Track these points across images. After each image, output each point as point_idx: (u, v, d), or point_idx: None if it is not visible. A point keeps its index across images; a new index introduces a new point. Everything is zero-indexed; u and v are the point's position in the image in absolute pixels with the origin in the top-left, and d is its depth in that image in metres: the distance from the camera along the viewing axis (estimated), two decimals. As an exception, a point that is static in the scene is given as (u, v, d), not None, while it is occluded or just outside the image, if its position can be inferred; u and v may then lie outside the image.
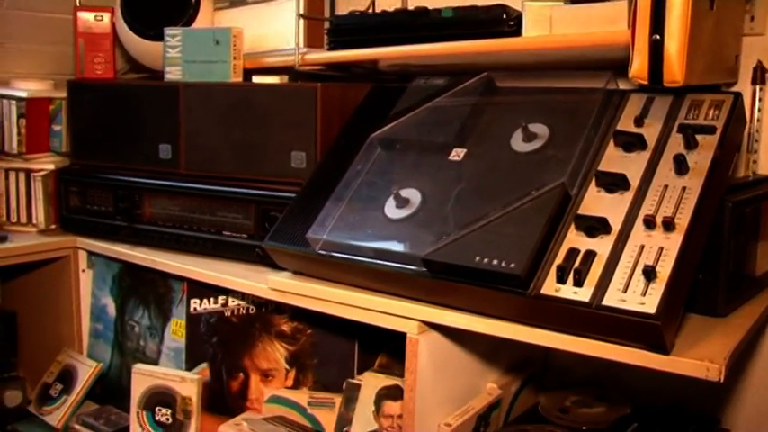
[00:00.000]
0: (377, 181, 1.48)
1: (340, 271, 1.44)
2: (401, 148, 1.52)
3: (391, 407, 1.60)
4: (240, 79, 1.88)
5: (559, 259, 1.21)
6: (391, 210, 1.41)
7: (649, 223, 1.19)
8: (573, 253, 1.21)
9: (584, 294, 1.16)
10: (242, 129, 1.76)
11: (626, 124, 1.35)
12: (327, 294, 1.46)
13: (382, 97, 1.70)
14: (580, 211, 1.25)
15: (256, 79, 1.83)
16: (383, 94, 1.71)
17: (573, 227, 1.24)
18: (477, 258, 1.24)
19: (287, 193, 1.66)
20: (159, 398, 1.87)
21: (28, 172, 2.08)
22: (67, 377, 2.04)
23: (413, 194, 1.41)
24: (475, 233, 1.28)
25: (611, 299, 1.14)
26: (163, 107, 1.87)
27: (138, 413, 1.90)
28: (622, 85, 1.44)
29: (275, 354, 1.80)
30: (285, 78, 1.84)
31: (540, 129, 1.40)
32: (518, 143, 1.40)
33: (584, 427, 1.56)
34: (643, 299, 1.12)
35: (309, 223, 1.47)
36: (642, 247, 1.17)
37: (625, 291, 1.14)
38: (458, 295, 1.31)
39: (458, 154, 1.43)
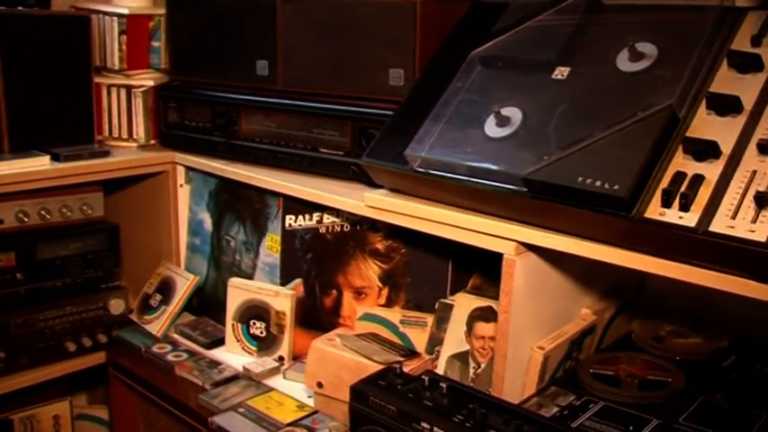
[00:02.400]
0: (477, 99, 1.45)
1: (437, 189, 1.43)
2: (502, 65, 1.48)
3: (483, 328, 1.60)
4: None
5: (665, 183, 1.17)
6: (491, 128, 1.38)
7: (763, 148, 1.13)
8: (679, 177, 1.17)
9: (689, 219, 1.12)
10: (339, 45, 1.74)
11: (741, 44, 1.28)
12: (424, 212, 1.46)
13: (483, 14, 1.65)
14: (688, 134, 1.21)
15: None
16: (484, 10, 1.66)
17: (680, 150, 1.20)
18: (580, 179, 1.21)
19: (384, 110, 1.64)
20: (254, 311, 1.91)
21: (128, 88, 2.11)
22: (166, 289, 2.11)
23: (513, 113, 1.38)
24: (578, 154, 1.25)
25: (719, 225, 1.10)
26: (260, 23, 1.86)
27: (233, 326, 1.95)
28: (739, 3, 1.37)
29: (369, 271, 1.81)
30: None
31: (647, 48, 1.34)
32: (624, 62, 1.34)
33: (677, 358, 1.53)
34: (753, 226, 1.07)
35: (407, 141, 1.45)
36: (754, 172, 1.12)
37: (734, 217, 1.09)
38: (557, 217, 1.29)
39: (561, 73, 1.39)
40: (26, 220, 1.94)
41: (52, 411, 2.13)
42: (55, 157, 1.92)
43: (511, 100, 1.40)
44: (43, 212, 1.96)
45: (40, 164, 1.90)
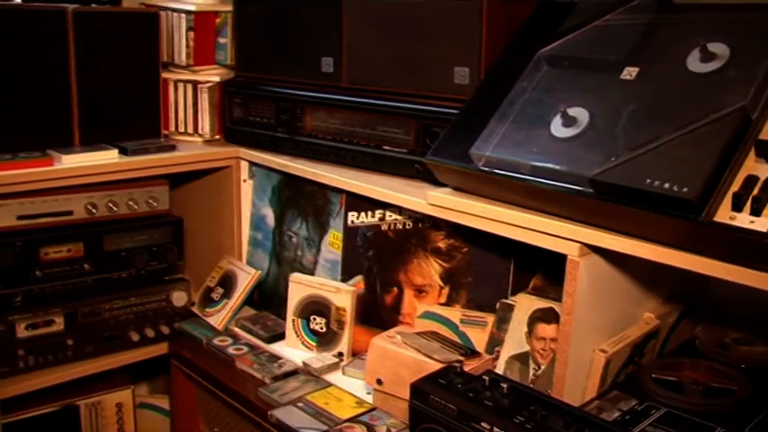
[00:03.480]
0: (543, 98, 1.44)
1: (502, 188, 1.42)
2: (569, 65, 1.47)
3: (545, 329, 1.59)
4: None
5: (736, 186, 1.15)
6: (557, 128, 1.37)
7: (840, 152, 1.11)
8: (751, 180, 1.14)
9: (761, 224, 1.10)
10: (405, 42, 1.74)
11: (820, 44, 1.25)
12: (488, 212, 1.45)
13: (550, 13, 1.63)
14: (762, 137, 1.18)
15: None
16: (551, 9, 1.65)
17: (752, 153, 1.17)
18: (648, 181, 1.19)
19: (449, 108, 1.64)
20: (314, 307, 1.93)
21: (195, 83, 2.14)
22: (228, 282, 2.13)
23: (580, 113, 1.36)
24: (646, 155, 1.23)
25: (791, 231, 1.07)
26: (326, 20, 1.87)
27: (293, 321, 1.97)
28: (815, 2, 1.34)
29: (430, 270, 1.81)
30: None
31: (719, 48, 1.31)
32: (695, 63, 1.32)
33: (743, 366, 1.50)
34: (827, 233, 1.05)
35: (472, 139, 1.45)
36: (831, 177, 1.10)
37: (807, 223, 1.07)
38: (624, 218, 1.27)
39: (629, 73, 1.37)
40: (94, 211, 1.98)
41: (116, 399, 2.17)
42: (123, 151, 1.96)
43: (578, 100, 1.39)
44: (111, 205, 2.00)
45: (109, 157, 1.94)
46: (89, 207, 1.97)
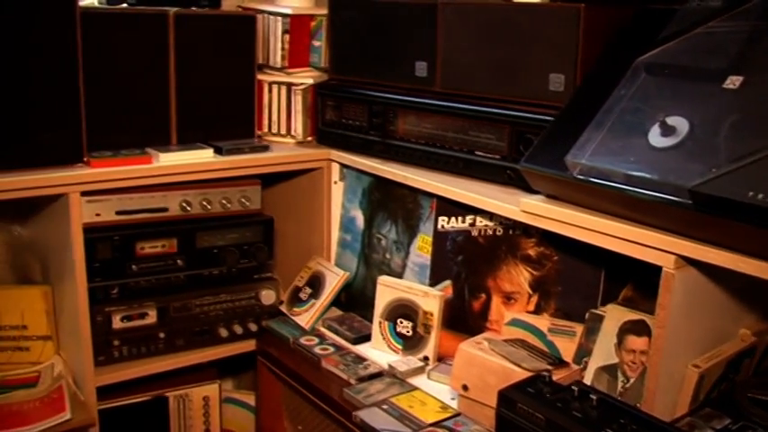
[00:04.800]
0: (641, 107, 1.41)
1: (597, 197, 1.40)
2: (669, 73, 1.44)
3: (635, 342, 1.56)
4: (500, -2, 1.86)
5: (843, 200, 1.11)
6: (656, 137, 1.35)
7: None
8: None
9: None
10: (500, 48, 1.73)
11: None
12: (581, 221, 1.43)
13: (649, 20, 1.61)
14: None
15: (517, -2, 1.80)
16: (650, 16, 1.62)
17: None
18: (751, 194, 1.16)
19: (543, 115, 1.62)
20: (402, 310, 1.93)
21: (289, 85, 2.17)
22: (316, 283, 2.15)
23: (680, 123, 1.34)
24: (750, 167, 1.20)
25: None
26: (421, 25, 1.88)
27: (380, 323, 1.97)
28: None
29: (519, 277, 1.80)
30: (547, -3, 1.80)
31: (828, 58, 1.28)
32: (802, 73, 1.28)
33: None
34: None
35: (567, 147, 1.43)
36: None
37: None
38: (723, 231, 1.24)
39: (733, 82, 1.34)
40: (189, 209, 2.03)
41: (203, 392, 2.22)
42: (218, 151, 2.00)
43: (677, 109, 1.36)
44: (204, 203, 2.05)
45: (205, 156, 1.99)
46: (184, 204, 2.02)
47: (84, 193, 1.83)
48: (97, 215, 1.92)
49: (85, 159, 1.84)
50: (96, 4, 2.05)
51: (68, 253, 1.85)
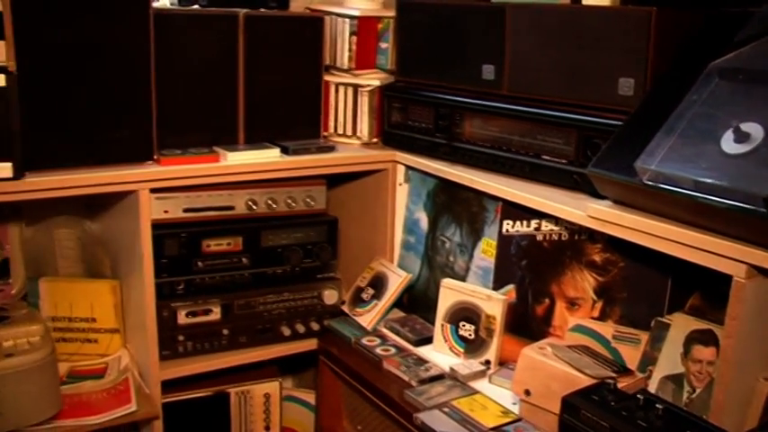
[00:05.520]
0: (713, 113, 1.39)
1: (666, 204, 1.38)
2: (744, 78, 1.41)
3: (702, 352, 1.54)
4: (569, 1, 1.84)
5: None
6: (729, 144, 1.32)
7: None
8: None
9: None
10: (568, 52, 1.72)
11: None
12: (650, 227, 1.41)
13: (722, 24, 1.58)
14: None
15: (586, 1, 1.78)
16: (723, 20, 1.59)
17: None
18: (828, 203, 1.13)
19: (612, 120, 1.61)
20: (464, 313, 1.93)
21: (355, 87, 2.18)
22: (379, 284, 2.16)
23: (755, 129, 1.31)
24: (827, 176, 1.17)
25: None
26: (489, 28, 1.87)
27: (442, 325, 1.97)
28: None
29: (584, 283, 1.78)
30: (616, 0, 1.77)
31: None
32: None
33: None
34: None
35: (636, 152, 1.41)
36: None
37: None
38: (798, 241, 1.21)
39: (810, 88, 1.31)
40: (254, 208, 2.05)
41: (264, 390, 2.24)
42: (284, 150, 2.03)
43: (752, 115, 1.33)
44: (270, 202, 2.07)
45: (271, 156, 2.01)
46: (250, 203, 2.04)
47: (153, 191, 1.86)
48: (165, 212, 1.96)
49: (155, 157, 1.87)
50: (168, 5, 2.09)
51: (137, 249, 1.89)
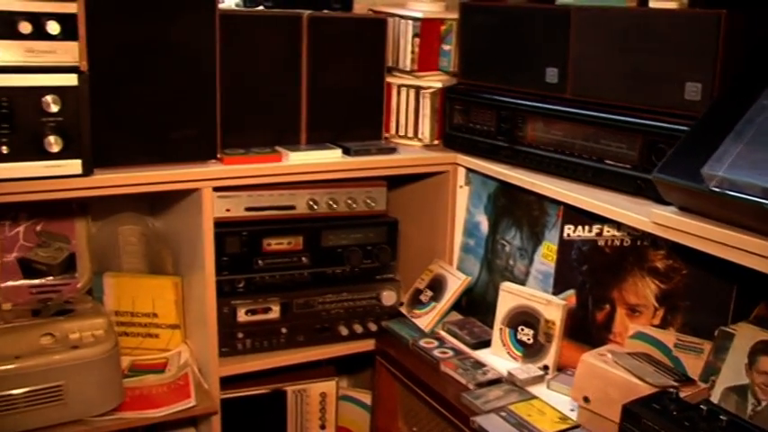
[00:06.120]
0: (785, 119, 1.36)
1: (733, 211, 1.36)
2: (817, 84, 1.38)
3: (768, 363, 1.51)
4: (635, 3, 1.81)
5: None
6: (800, 151, 1.29)
7: None
8: None
9: None
10: (634, 55, 1.69)
11: None
12: (717, 234, 1.38)
13: (795, 28, 1.55)
14: None
15: (653, 4, 1.75)
16: (797, 23, 1.56)
17: None
18: None
19: (678, 125, 1.58)
20: (523, 318, 1.92)
21: (417, 89, 2.18)
22: (437, 286, 2.16)
23: (827, 136, 1.28)
24: None
25: None
26: (553, 31, 1.86)
27: (500, 329, 1.96)
28: None
29: (645, 290, 1.76)
30: (684, 3, 1.74)
31: None
32: None
33: None
34: None
35: (703, 158, 1.38)
36: None
37: None
38: None
39: None
40: (315, 207, 2.07)
41: (321, 389, 2.26)
42: (346, 151, 2.04)
43: (826, 122, 1.31)
44: (331, 202, 2.08)
45: (333, 156, 2.02)
46: (311, 203, 2.06)
47: (216, 189, 1.89)
48: (227, 210, 1.98)
49: (219, 156, 1.90)
50: (234, 6, 2.12)
51: (199, 246, 1.92)
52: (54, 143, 1.64)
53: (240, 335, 2.03)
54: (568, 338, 1.88)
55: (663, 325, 1.75)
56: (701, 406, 1.30)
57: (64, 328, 1.83)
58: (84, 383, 1.77)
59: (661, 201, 1.53)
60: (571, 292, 1.88)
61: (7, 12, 1.57)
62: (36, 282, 2.07)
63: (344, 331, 2.14)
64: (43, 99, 1.63)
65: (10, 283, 2.04)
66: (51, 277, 2.09)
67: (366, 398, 2.41)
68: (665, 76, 1.64)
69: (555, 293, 1.90)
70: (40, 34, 1.60)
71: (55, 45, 1.63)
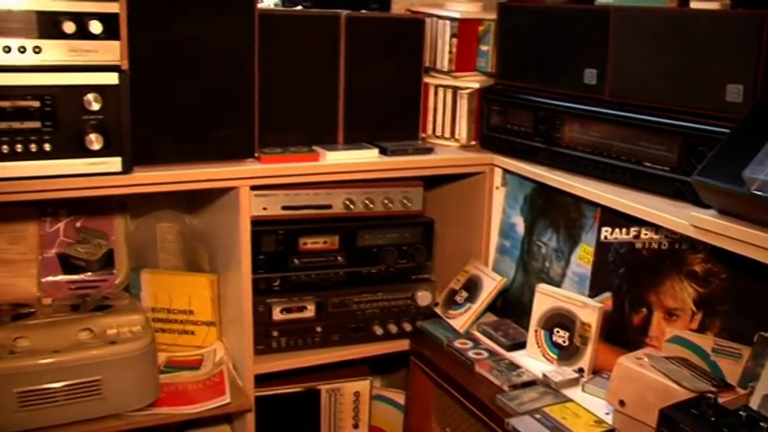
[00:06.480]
0: (828, 122, 1.34)
1: (776, 215, 1.34)
2: None
3: (808, 370, 1.49)
4: (676, 4, 1.79)
5: None
6: (844, 155, 1.28)
7: None
8: None
9: None
10: (674, 56, 1.67)
11: None
12: (758, 239, 1.36)
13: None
14: None
15: (694, 4, 1.73)
16: None
17: None
18: None
19: (718, 127, 1.56)
20: (559, 320, 1.91)
21: (455, 89, 2.18)
22: (473, 287, 2.15)
23: None
24: None
25: None
26: (591, 32, 1.84)
27: (536, 331, 1.96)
28: None
29: (683, 293, 1.74)
30: (726, 3, 1.72)
31: None
32: None
33: None
34: None
35: (744, 161, 1.37)
36: None
37: None
38: None
39: None
40: (352, 207, 2.07)
41: (354, 388, 2.26)
42: (383, 151, 2.04)
43: None
44: (367, 202, 2.09)
45: (370, 156, 2.03)
46: (347, 202, 2.06)
47: (253, 188, 1.90)
48: (264, 209, 1.99)
49: (256, 155, 1.91)
50: (272, 6, 2.13)
51: (236, 244, 1.93)
52: (95, 141, 1.67)
53: (275, 333, 2.04)
54: (604, 341, 1.86)
55: (701, 329, 1.73)
56: (740, 412, 1.29)
57: (102, 323, 1.85)
58: (121, 378, 1.79)
59: (700, 204, 1.52)
60: (607, 295, 1.87)
61: (52, 12, 1.60)
62: (75, 277, 2.10)
63: (379, 331, 2.14)
64: (85, 97, 1.66)
65: (50, 279, 2.07)
66: (90, 273, 2.11)
67: (399, 398, 2.41)
68: (706, 77, 1.62)
69: (591, 296, 1.89)
70: (83, 34, 1.63)
71: (97, 44, 1.65)
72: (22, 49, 1.59)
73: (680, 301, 1.75)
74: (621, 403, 1.61)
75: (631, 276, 1.83)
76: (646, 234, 1.80)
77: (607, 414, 1.69)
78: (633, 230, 1.82)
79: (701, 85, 1.64)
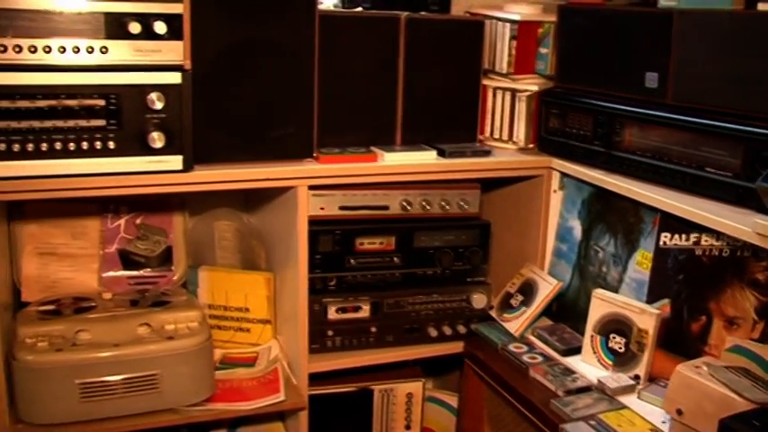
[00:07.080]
0: None
1: (842, 224, 1.31)
2: None
3: None
4: (742, 6, 1.76)
5: None
6: None
7: None
8: None
9: None
10: (739, 60, 1.64)
11: None
12: (824, 248, 1.35)
13: None
14: None
15: (762, 6, 1.70)
16: None
17: None
18: None
19: (785, 133, 1.53)
20: (615, 326, 1.89)
21: (513, 92, 2.17)
22: (528, 290, 2.14)
23: None
24: None
25: None
26: (654, 34, 1.82)
27: (591, 336, 1.94)
28: None
29: (744, 302, 1.71)
30: (795, 5, 1.69)
31: None
32: None
33: None
34: None
35: (811, 169, 1.35)
36: None
37: None
38: None
39: None
40: (409, 208, 2.08)
41: (407, 389, 2.26)
42: (441, 153, 2.04)
43: None
44: (424, 203, 2.09)
45: (427, 158, 2.03)
46: (404, 204, 2.07)
47: (311, 187, 1.92)
48: (321, 209, 2.01)
49: (315, 155, 1.92)
50: (332, 7, 2.15)
51: (293, 243, 1.95)
52: (157, 139, 1.70)
53: (330, 332, 2.06)
54: (661, 348, 1.84)
55: (762, 339, 1.70)
56: (803, 425, 1.26)
57: (160, 318, 1.88)
58: (178, 373, 1.82)
59: (764, 210, 1.49)
60: (666, 302, 1.84)
61: (119, 13, 1.63)
62: (134, 273, 2.14)
63: (433, 332, 2.14)
64: (148, 96, 1.69)
65: (110, 274, 2.11)
66: (149, 269, 2.15)
67: (452, 400, 2.41)
68: (774, 81, 1.59)
69: (649, 302, 1.86)
70: (147, 34, 1.66)
71: (161, 44, 1.68)
72: (90, 50, 1.64)
73: (741, 310, 1.72)
74: (679, 412, 1.58)
75: (691, 283, 1.81)
76: (706, 241, 1.78)
77: (663, 423, 1.67)
78: (693, 237, 1.79)
79: (766, 90, 1.60)
